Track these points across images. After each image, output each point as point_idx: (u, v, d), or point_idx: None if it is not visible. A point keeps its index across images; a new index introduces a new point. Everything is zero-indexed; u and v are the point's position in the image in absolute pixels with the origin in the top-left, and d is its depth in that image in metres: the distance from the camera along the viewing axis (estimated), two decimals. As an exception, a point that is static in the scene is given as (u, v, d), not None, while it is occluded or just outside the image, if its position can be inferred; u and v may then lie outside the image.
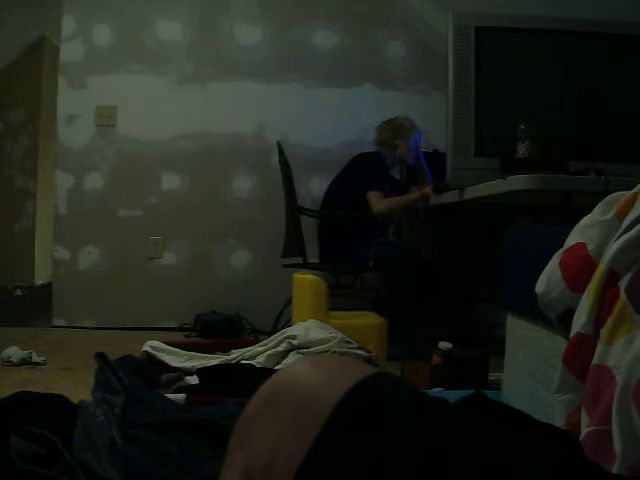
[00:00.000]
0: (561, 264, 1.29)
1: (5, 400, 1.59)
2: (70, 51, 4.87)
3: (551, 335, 1.57)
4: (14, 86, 5.94)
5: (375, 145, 4.35)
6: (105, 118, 4.86)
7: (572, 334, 1.14)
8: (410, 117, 4.38)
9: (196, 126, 4.88)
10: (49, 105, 5.46)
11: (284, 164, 4.08)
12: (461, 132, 3.22)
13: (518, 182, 2.69)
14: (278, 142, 4.19)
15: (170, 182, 4.88)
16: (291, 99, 4.90)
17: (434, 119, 4.56)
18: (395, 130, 4.28)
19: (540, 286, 1.36)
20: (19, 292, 5.83)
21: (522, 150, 3.06)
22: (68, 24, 4.87)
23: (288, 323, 3.57)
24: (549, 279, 1.32)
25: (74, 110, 4.86)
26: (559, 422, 1.13)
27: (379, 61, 4.97)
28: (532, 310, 1.47)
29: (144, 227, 4.86)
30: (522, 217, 4.27)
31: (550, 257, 1.35)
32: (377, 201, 3.98)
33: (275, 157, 4.25)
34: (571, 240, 1.29)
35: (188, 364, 2.60)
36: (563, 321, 1.28)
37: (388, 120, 4.36)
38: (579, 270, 1.23)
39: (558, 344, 1.41)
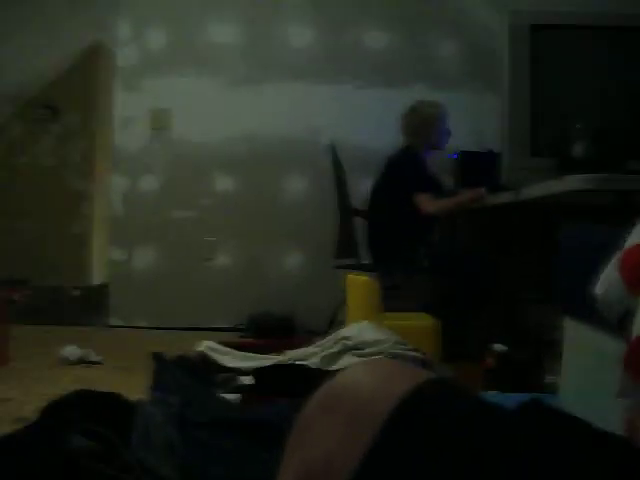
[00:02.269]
0: (621, 265, 1.27)
1: (63, 398, 1.61)
2: (125, 55, 4.95)
3: (610, 338, 1.54)
4: (71, 90, 6.04)
5: (403, 135, 4.25)
6: (160, 121, 4.93)
7: (632, 337, 1.11)
8: (436, 102, 4.27)
9: (249, 128, 4.92)
10: (105, 108, 5.55)
11: (336, 165, 4.08)
12: (517, 132, 3.18)
13: (575, 182, 2.64)
14: (330, 143, 4.19)
15: (224, 184, 4.93)
16: (343, 100, 4.90)
17: (487, 119, 4.52)
18: (425, 120, 4.16)
19: (599, 288, 1.33)
20: (76, 292, 5.94)
21: (579, 149, 3.01)
22: (123, 29, 4.95)
23: (342, 324, 3.57)
24: (608, 281, 1.30)
25: (129, 113, 4.94)
26: (619, 428, 1.11)
27: (431, 61, 4.95)
28: (590, 312, 1.44)
29: (198, 228, 4.91)
30: (579, 218, 4.19)
31: (609, 258, 1.32)
32: (428, 202, 3.92)
33: (327, 158, 4.25)
34: (632, 241, 1.26)
35: (243, 364, 2.61)
36: (623, 324, 1.25)
37: (413, 109, 4.22)
38: (639, 271, 1.20)
39: (617, 347, 1.38)
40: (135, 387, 2.74)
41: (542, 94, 3.19)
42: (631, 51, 3.33)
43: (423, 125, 4.15)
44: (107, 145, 5.33)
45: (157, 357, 1.71)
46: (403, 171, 4.06)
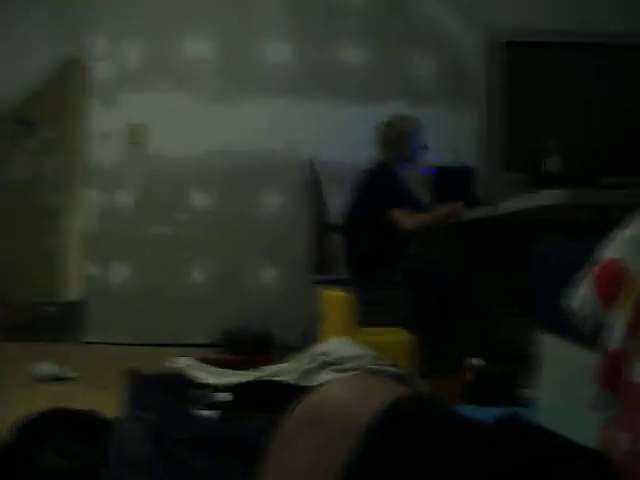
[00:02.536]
0: (595, 279, 1.28)
1: (39, 416, 1.60)
2: (101, 70, 4.95)
3: (585, 351, 1.55)
4: (46, 105, 6.02)
5: (378, 148, 4.25)
6: (136, 136, 4.92)
7: (606, 350, 1.12)
8: (410, 116, 4.28)
9: (226, 143, 4.92)
10: (80, 123, 5.53)
11: (313, 181, 4.09)
12: (492, 147, 3.21)
13: (550, 196, 2.67)
14: (307, 159, 4.20)
15: (200, 199, 4.92)
16: (320, 115, 4.92)
17: (464, 134, 4.55)
18: (400, 134, 4.17)
19: (574, 302, 1.35)
20: (50, 308, 5.88)
21: (553, 165, 3.04)
22: (99, 43, 4.95)
23: (315, 339, 3.57)
24: (583, 295, 1.31)
25: (105, 128, 4.92)
26: (594, 440, 1.12)
27: (409, 77, 4.98)
28: (565, 326, 1.45)
29: (174, 244, 4.90)
30: (554, 232, 4.23)
31: (583, 273, 1.34)
32: (405, 218, 3.94)
33: (304, 174, 4.26)
34: (605, 255, 1.27)
35: (219, 380, 2.60)
36: (597, 337, 1.27)
37: (388, 123, 4.22)
38: (614, 285, 1.21)
39: (592, 360, 1.39)
40: (111, 404, 2.72)
41: (517, 110, 3.23)
42: (604, 67, 3.37)
43: (398, 139, 4.17)
44: (83, 160, 5.31)
45: (133, 374, 1.70)
46: (379, 186, 4.07)
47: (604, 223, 2.61)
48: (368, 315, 3.71)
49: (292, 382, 2.45)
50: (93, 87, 4.99)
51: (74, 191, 6.10)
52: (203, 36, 4.97)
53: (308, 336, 4.11)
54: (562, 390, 1.76)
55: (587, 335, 1.32)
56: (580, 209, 2.73)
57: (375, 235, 4.00)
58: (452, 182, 4.47)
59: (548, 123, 3.29)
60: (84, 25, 5.09)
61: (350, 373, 2.35)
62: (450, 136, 4.75)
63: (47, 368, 3.35)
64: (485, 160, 3.25)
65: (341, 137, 4.89)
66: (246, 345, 4.36)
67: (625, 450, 0.93)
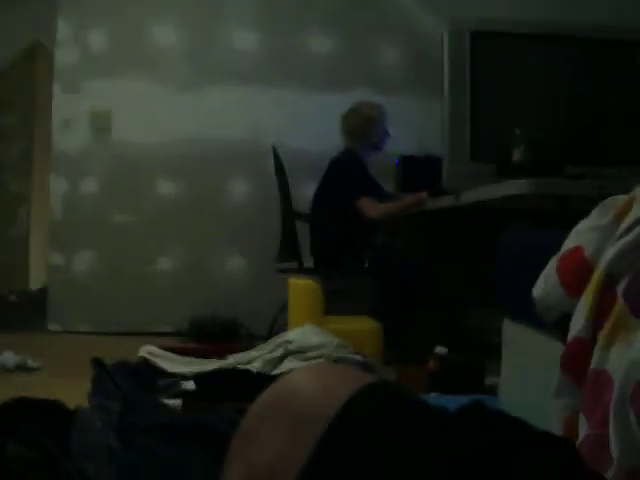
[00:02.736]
0: (558, 268, 1.29)
1: (1, 406, 1.58)
2: (65, 55, 4.87)
3: (549, 339, 1.56)
4: (8, 90, 5.93)
5: (344, 135, 4.27)
6: (100, 122, 4.86)
7: (569, 338, 1.14)
8: (376, 103, 4.31)
9: (192, 131, 4.88)
10: (44, 109, 5.45)
11: (279, 169, 4.08)
12: (457, 137, 3.22)
13: (514, 186, 2.69)
14: (273, 147, 4.18)
15: (166, 187, 4.88)
16: (287, 104, 4.90)
17: (430, 124, 4.56)
18: (365, 121, 4.20)
19: (537, 290, 1.36)
20: (13, 297, 5.81)
21: (518, 155, 3.06)
22: (63, 28, 4.87)
23: (285, 328, 3.57)
24: (546, 283, 1.32)
25: (69, 114, 4.86)
26: (557, 427, 1.13)
27: (375, 66, 4.98)
28: (529, 314, 1.47)
29: (140, 232, 4.86)
30: (519, 222, 4.27)
31: (548, 261, 1.35)
32: (371, 206, 3.95)
33: (271, 162, 4.25)
34: (568, 244, 1.29)
35: (185, 369, 2.59)
36: (561, 325, 1.28)
37: (354, 110, 4.26)
38: (576, 274, 1.22)
39: (556, 349, 1.41)
40: (75, 394, 2.70)
41: (482, 99, 3.24)
42: (569, 58, 3.40)
43: (363, 126, 4.18)
44: (46, 146, 5.24)
45: (96, 362, 1.68)
46: (345, 174, 4.08)
47: (568, 213, 2.64)
48: (334, 303, 3.72)
49: (257, 370, 2.46)
50: (57, 72, 4.92)
51: (37, 178, 6.03)
52: (170, 22, 4.93)
53: (276, 324, 4.12)
54: (526, 377, 1.78)
55: (551, 323, 1.34)
56: (543, 199, 2.76)
57: (341, 223, 4.01)
58: (418, 171, 4.48)
59: (513, 113, 3.31)
60: (47, 9, 5.02)
61: (314, 361, 2.35)
62: (417, 125, 4.76)
63: (8, 357, 3.31)
64: (450, 149, 3.26)
65: (308, 125, 4.88)
66: (213, 334, 4.34)
67: (587, 436, 0.95)
